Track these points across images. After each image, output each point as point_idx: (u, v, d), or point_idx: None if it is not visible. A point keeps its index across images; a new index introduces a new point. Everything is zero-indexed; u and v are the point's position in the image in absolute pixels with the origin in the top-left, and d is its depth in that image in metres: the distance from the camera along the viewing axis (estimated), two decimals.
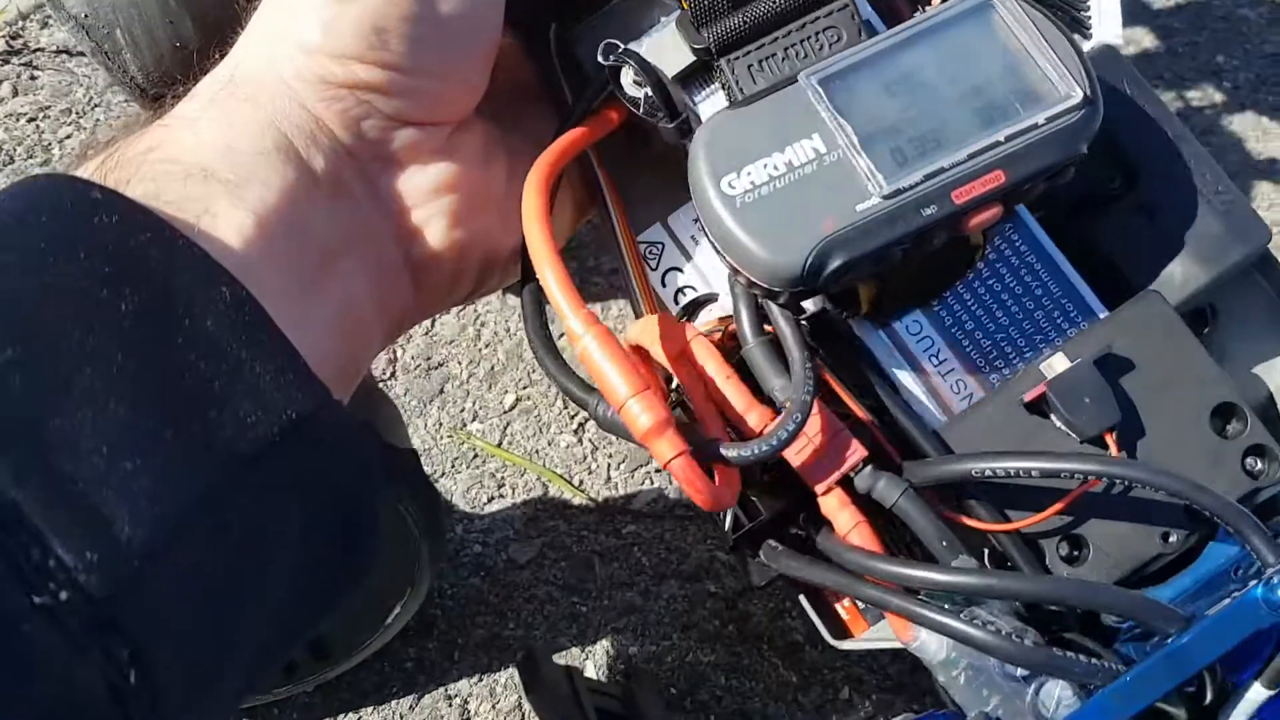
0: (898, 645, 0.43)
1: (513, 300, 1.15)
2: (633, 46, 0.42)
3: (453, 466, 1.00)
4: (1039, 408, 0.40)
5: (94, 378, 0.27)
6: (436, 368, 1.09)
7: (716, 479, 0.38)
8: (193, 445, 0.28)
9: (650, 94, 0.41)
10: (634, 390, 0.36)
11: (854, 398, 0.41)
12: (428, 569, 0.72)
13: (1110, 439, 0.39)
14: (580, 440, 1.03)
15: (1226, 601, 0.37)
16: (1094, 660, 0.37)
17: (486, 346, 1.11)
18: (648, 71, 0.41)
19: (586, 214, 0.49)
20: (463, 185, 0.42)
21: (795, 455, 0.39)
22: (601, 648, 0.89)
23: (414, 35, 0.37)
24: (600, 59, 0.41)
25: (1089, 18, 0.45)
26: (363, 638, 0.78)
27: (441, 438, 1.01)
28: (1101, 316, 0.43)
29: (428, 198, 0.41)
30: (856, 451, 0.39)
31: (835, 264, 0.36)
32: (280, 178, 0.36)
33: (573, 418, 1.05)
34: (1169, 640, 0.37)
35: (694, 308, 0.46)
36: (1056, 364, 0.40)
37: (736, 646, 0.89)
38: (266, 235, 0.35)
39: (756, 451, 0.37)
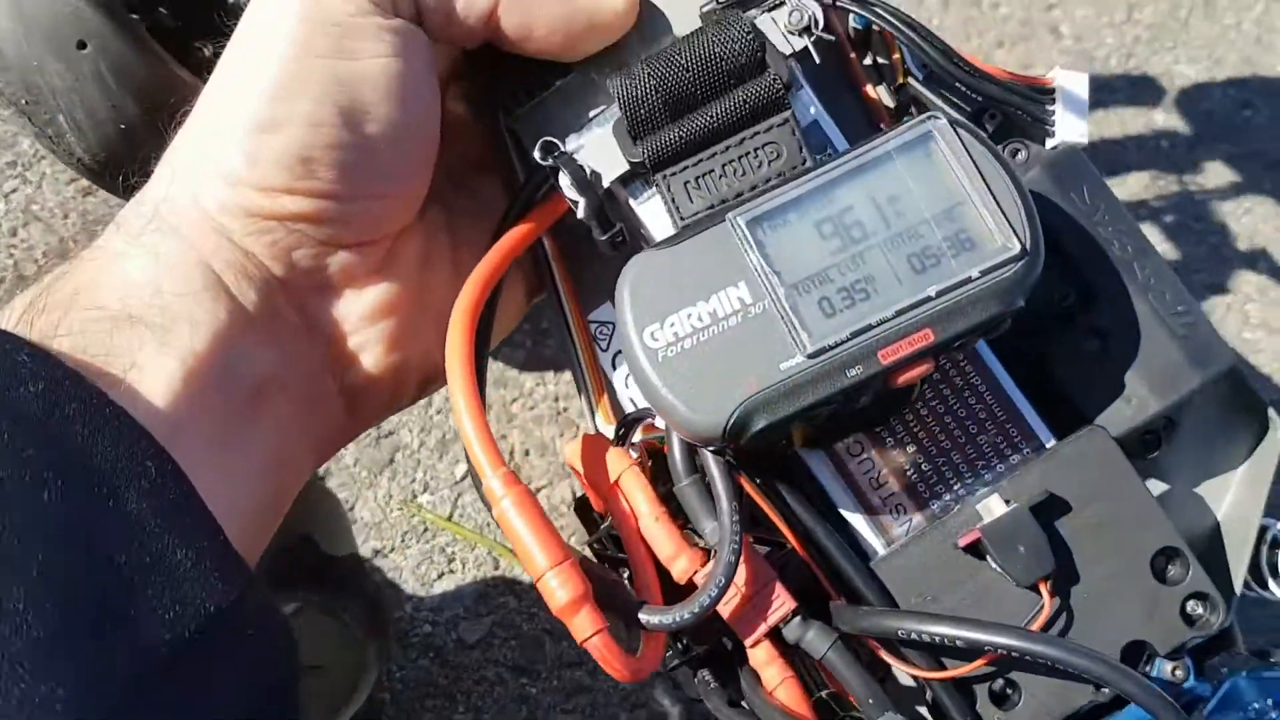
0: None
1: None
2: (572, 143, 0.40)
3: (403, 541, 0.99)
4: (976, 549, 0.39)
5: (15, 589, 0.27)
6: (387, 436, 1.08)
7: (641, 641, 0.38)
8: (109, 652, 0.28)
9: (587, 204, 0.39)
10: (551, 563, 0.35)
11: (792, 529, 0.40)
12: (375, 666, 0.71)
13: (1044, 587, 0.38)
14: None
15: None
16: None
17: (438, 414, 1.11)
18: (582, 184, 0.39)
19: (537, 295, 0.47)
20: (400, 306, 0.40)
21: (723, 607, 0.38)
22: None
23: (343, 161, 0.36)
24: (539, 158, 0.40)
25: (1053, 114, 0.43)
26: None
27: (391, 510, 1.01)
28: (1049, 445, 0.42)
29: (364, 324, 0.40)
30: (785, 604, 0.39)
31: (758, 426, 0.35)
32: (210, 318, 0.35)
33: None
34: None
35: (630, 425, 0.44)
36: (993, 506, 0.39)
37: None
38: (195, 383, 0.34)
39: (677, 619, 0.36)
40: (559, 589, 0.34)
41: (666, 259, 0.37)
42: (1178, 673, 0.40)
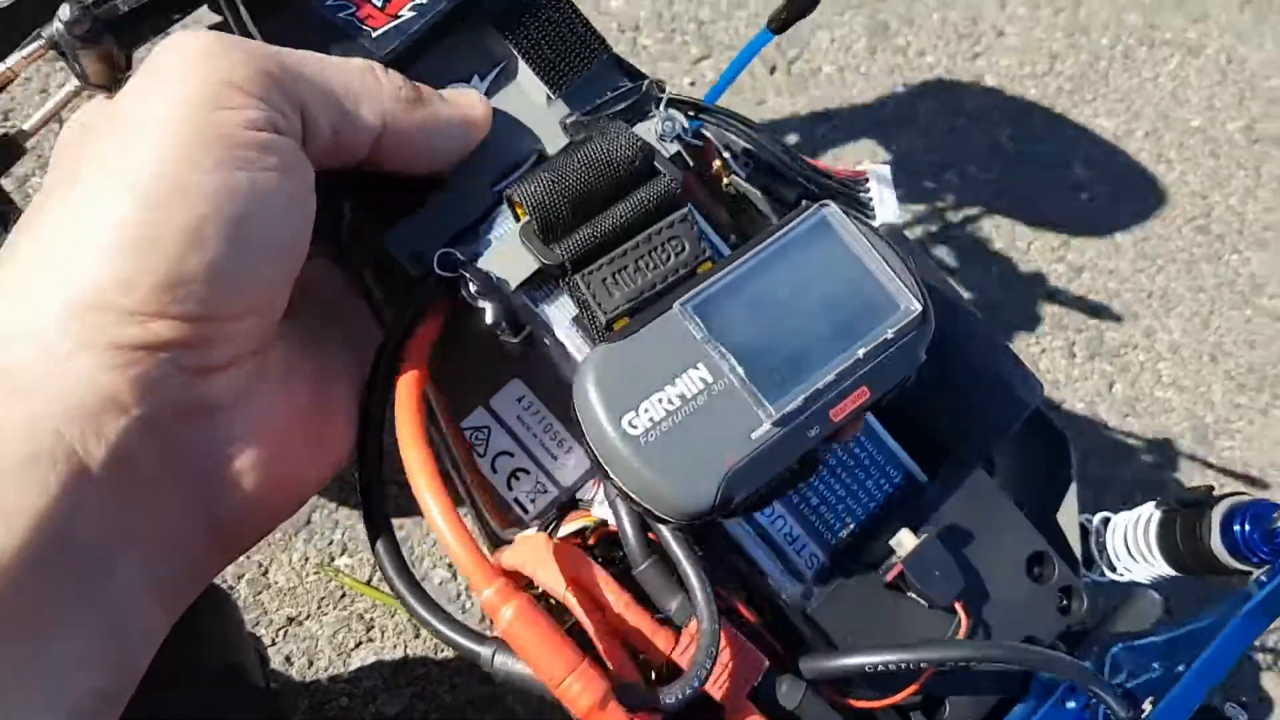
0: None
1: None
2: (465, 254, 0.42)
3: (319, 607, 0.97)
4: (897, 584, 0.45)
5: None
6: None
7: None
8: None
9: (496, 309, 0.41)
10: (571, 666, 0.36)
11: (740, 598, 0.43)
12: None
13: (959, 606, 0.45)
14: (455, 577, 1.01)
15: None
16: None
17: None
18: (492, 289, 0.41)
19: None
20: (267, 428, 0.38)
21: (711, 682, 0.40)
22: None
23: (221, 279, 0.34)
24: (439, 269, 0.41)
25: (870, 200, 0.50)
26: None
27: (307, 575, 0.99)
28: (920, 479, 0.48)
29: (237, 450, 0.37)
30: (760, 662, 0.41)
31: (741, 495, 0.38)
32: (40, 492, 0.31)
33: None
34: None
35: (555, 516, 0.46)
36: (905, 540, 0.45)
37: None
38: (13, 573, 0.30)
39: (685, 693, 0.38)
40: (582, 694, 0.36)
41: (623, 350, 0.39)
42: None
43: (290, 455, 0.39)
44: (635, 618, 0.40)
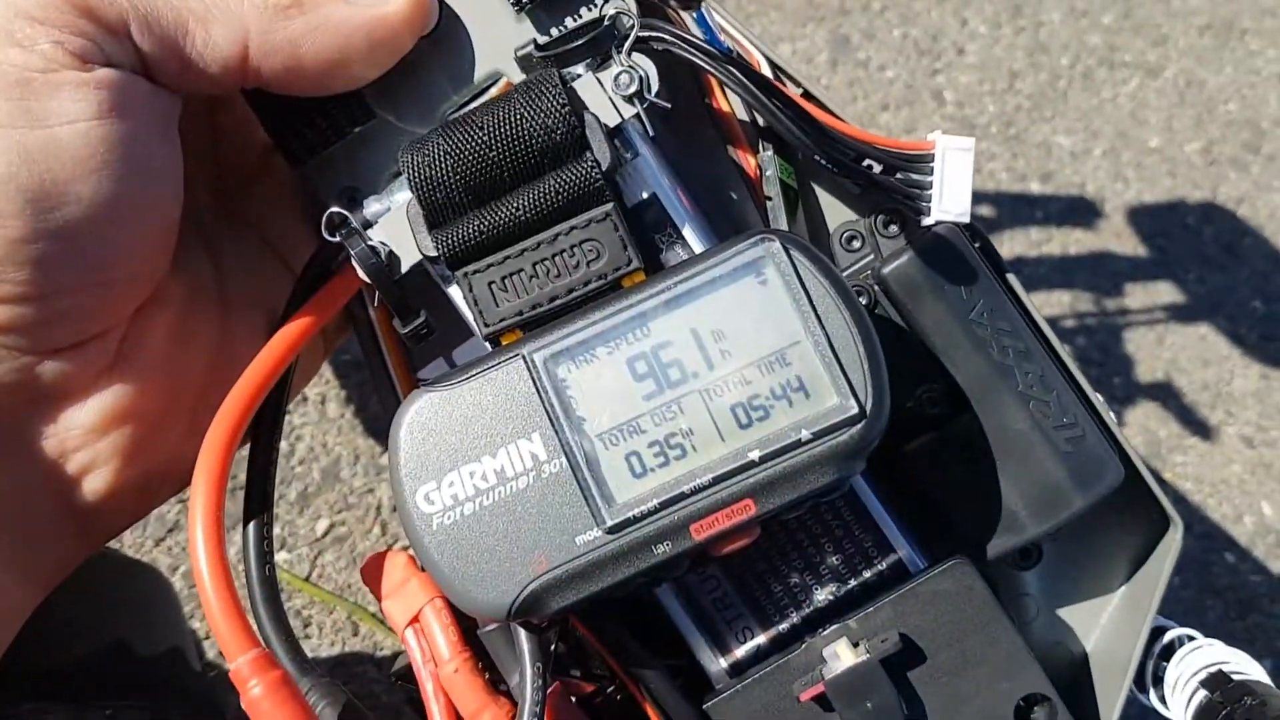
0: None
1: (331, 413, 1.12)
2: (372, 208, 0.35)
3: None
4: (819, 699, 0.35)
5: None
6: (242, 487, 1.04)
7: None
8: None
9: (379, 294, 0.34)
10: None
11: (622, 668, 0.36)
12: None
13: None
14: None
15: None
16: None
17: (301, 464, 1.07)
18: (375, 269, 0.33)
19: (339, 341, 0.43)
20: (140, 408, 0.35)
21: None
22: None
23: (38, 257, 0.30)
24: (325, 233, 0.34)
25: (928, 192, 0.37)
26: None
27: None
28: (902, 553, 0.38)
29: (90, 437, 0.34)
30: None
31: (551, 607, 0.31)
32: None
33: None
34: None
35: None
36: (841, 652, 0.35)
37: None
38: None
39: None
40: None
41: (450, 401, 0.31)
42: None
43: (170, 436, 0.35)
44: (462, 687, 0.35)
